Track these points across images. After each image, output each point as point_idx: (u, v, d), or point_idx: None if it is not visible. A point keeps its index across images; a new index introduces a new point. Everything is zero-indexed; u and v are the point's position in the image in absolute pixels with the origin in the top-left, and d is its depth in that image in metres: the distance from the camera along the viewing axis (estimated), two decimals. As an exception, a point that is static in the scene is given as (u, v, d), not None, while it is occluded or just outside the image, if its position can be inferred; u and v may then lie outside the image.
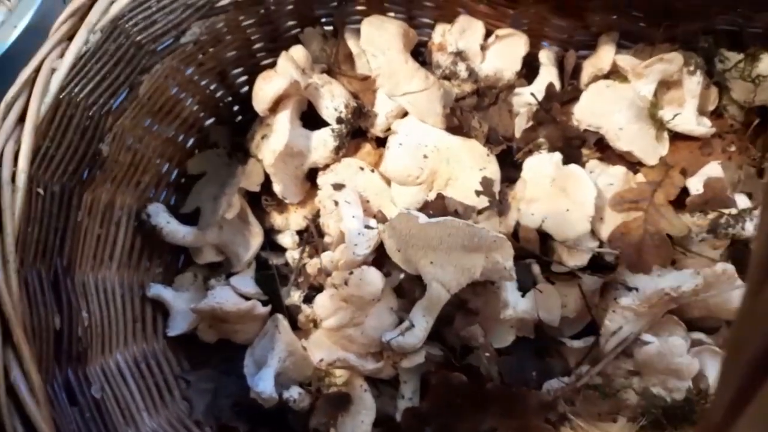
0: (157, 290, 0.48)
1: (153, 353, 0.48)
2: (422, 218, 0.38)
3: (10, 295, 0.30)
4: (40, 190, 0.35)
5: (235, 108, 0.54)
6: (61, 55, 0.34)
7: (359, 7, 0.49)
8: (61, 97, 0.35)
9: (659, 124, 0.43)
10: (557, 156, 0.42)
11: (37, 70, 0.34)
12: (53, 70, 0.34)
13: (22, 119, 0.33)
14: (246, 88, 0.53)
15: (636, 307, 0.39)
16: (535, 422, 0.40)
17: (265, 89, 0.44)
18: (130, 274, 0.47)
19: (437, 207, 0.43)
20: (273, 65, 0.49)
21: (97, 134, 0.41)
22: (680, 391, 0.37)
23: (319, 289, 0.47)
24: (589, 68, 0.46)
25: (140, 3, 0.38)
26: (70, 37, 0.35)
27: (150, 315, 0.48)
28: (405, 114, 0.46)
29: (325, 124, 0.48)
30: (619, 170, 0.42)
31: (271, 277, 0.50)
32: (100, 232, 0.44)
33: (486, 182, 0.43)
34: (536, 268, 0.44)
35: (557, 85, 0.45)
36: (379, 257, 0.46)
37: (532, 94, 0.44)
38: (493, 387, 0.39)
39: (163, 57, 0.44)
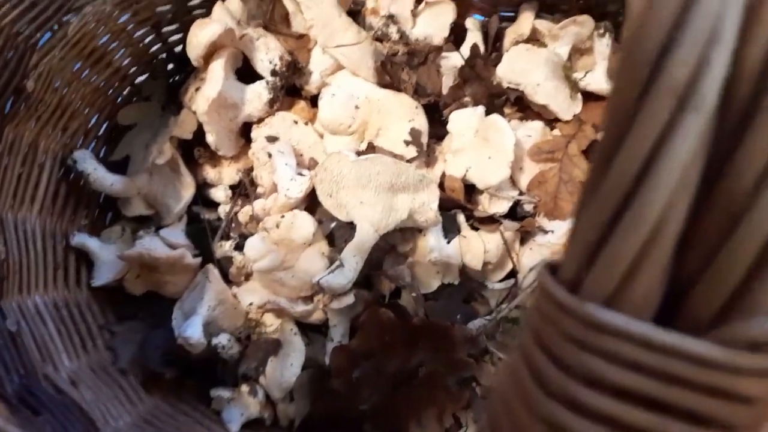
0: (81, 239, 0.47)
1: (75, 302, 0.46)
2: (352, 156, 0.40)
3: None
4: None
5: (170, 66, 0.54)
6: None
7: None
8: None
9: (573, 85, 0.46)
10: (480, 109, 0.45)
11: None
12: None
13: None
14: (180, 47, 0.53)
15: (551, 246, 0.42)
16: (460, 356, 0.41)
17: (200, 35, 0.44)
18: (53, 220, 0.46)
19: (368, 156, 0.45)
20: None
21: (21, 67, 0.40)
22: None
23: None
24: (510, 35, 0.49)
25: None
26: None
27: (73, 264, 0.47)
28: (337, 71, 0.48)
29: (259, 79, 0.49)
30: (537, 124, 0.46)
31: (203, 231, 0.50)
32: (21, 171, 0.42)
33: (414, 132, 0.45)
34: (461, 218, 0.46)
35: (482, 48, 0.48)
36: (311, 206, 0.47)
37: (459, 53, 0.46)
38: (420, 321, 0.41)
39: (89, -3, 0.43)
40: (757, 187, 0.12)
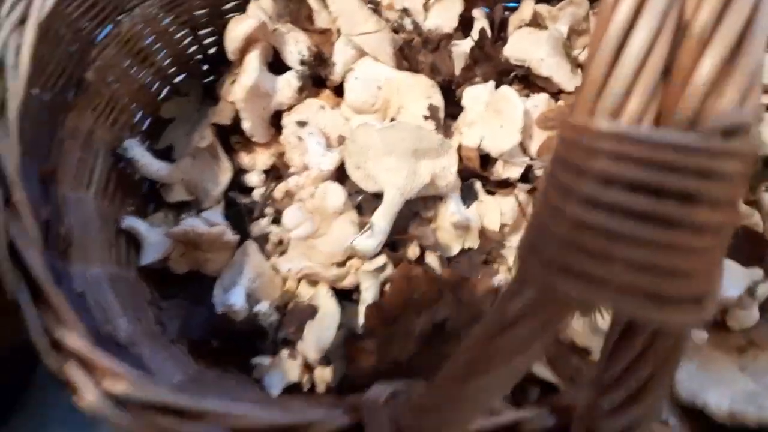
0: (131, 222, 0.51)
1: (126, 278, 0.50)
2: (378, 125, 0.44)
3: (10, 151, 0.33)
4: (36, 91, 0.39)
5: (205, 67, 0.59)
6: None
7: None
8: (57, 10, 0.39)
9: (573, 60, 0.51)
10: (491, 84, 0.49)
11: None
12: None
13: (22, 21, 0.37)
14: (214, 49, 0.58)
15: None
16: (482, 309, 0.45)
17: (237, 29, 0.49)
18: (106, 204, 0.50)
19: (391, 132, 0.49)
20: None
21: (83, 60, 0.45)
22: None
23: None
24: (514, 21, 0.54)
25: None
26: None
27: (123, 245, 0.51)
28: (360, 58, 0.53)
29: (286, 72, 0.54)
30: (543, 96, 0.50)
31: (238, 214, 0.55)
32: (80, 156, 0.47)
33: (432, 108, 0.49)
34: (477, 185, 0.50)
35: (488, 32, 0.53)
36: (340, 180, 0.51)
37: (471, 37, 0.51)
38: (446, 274, 0.44)
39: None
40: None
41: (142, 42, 0.51)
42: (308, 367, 0.51)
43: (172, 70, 0.56)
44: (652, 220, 0.16)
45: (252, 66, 0.50)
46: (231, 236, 0.51)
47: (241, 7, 0.56)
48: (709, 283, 0.17)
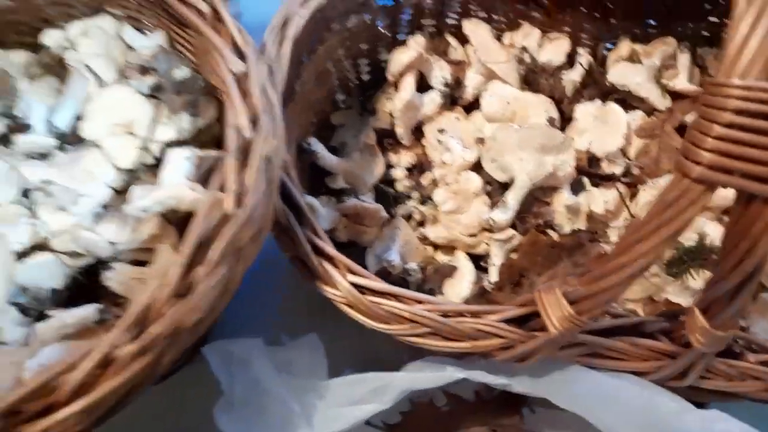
0: (309, 199, 0.66)
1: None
2: (516, 126, 0.58)
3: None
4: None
5: (359, 90, 0.76)
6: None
7: (454, 18, 0.72)
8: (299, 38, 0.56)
9: (663, 87, 0.65)
10: (598, 101, 0.63)
11: (288, 16, 0.55)
12: (297, 17, 0.55)
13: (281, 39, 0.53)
14: (369, 77, 0.75)
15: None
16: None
17: (402, 57, 0.65)
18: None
19: (516, 136, 0.63)
20: (386, 61, 0.71)
21: (295, 74, 0.61)
22: (691, 240, 0.55)
23: (429, 197, 0.65)
24: (612, 56, 0.68)
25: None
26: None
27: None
28: (489, 81, 0.68)
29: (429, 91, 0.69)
30: (639, 112, 0.63)
31: (386, 199, 0.69)
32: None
33: (551, 119, 0.63)
34: (585, 180, 0.63)
35: (594, 65, 0.67)
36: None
37: (579, 63, 0.66)
38: (564, 239, 0.57)
39: (332, 34, 0.65)
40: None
41: (322, 66, 0.68)
42: (444, 320, 0.63)
43: (338, 88, 0.72)
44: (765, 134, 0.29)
45: (409, 85, 0.66)
46: (384, 213, 0.65)
47: (389, 49, 0.72)
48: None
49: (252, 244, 0.39)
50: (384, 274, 0.62)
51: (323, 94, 0.70)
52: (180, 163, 0.42)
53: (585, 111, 0.63)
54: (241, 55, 0.44)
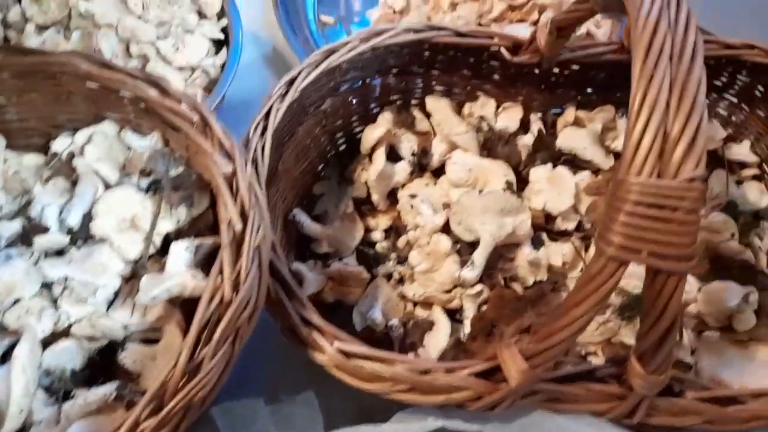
0: (297, 265, 0.72)
1: (295, 305, 0.70)
2: (477, 193, 0.65)
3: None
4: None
5: (336, 160, 0.83)
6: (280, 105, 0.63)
7: (417, 93, 0.81)
8: (280, 125, 0.63)
9: (606, 148, 0.73)
10: (549, 165, 0.71)
11: (269, 111, 0.62)
12: (276, 111, 0.62)
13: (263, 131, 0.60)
14: (344, 147, 0.82)
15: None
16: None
17: (373, 133, 0.73)
18: (283, 253, 0.72)
19: (480, 199, 0.71)
20: (361, 132, 0.79)
21: (277, 156, 0.68)
22: (638, 288, 0.62)
23: (406, 258, 0.72)
24: (560, 122, 0.77)
25: (312, 81, 0.68)
26: (282, 95, 0.64)
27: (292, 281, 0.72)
28: (452, 150, 0.76)
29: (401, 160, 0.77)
30: (586, 172, 0.71)
31: (367, 260, 0.75)
32: (270, 219, 0.69)
33: (508, 183, 0.71)
34: (543, 235, 0.70)
35: (543, 130, 0.75)
36: (444, 233, 0.72)
37: (531, 133, 0.74)
38: (528, 292, 0.64)
39: (309, 116, 0.73)
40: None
41: (303, 143, 0.75)
42: (425, 371, 0.69)
43: (318, 163, 0.79)
44: (662, 221, 0.36)
45: (381, 157, 0.73)
46: (366, 274, 0.72)
47: (362, 122, 0.79)
48: (693, 249, 0.37)
49: (247, 324, 0.45)
50: (369, 331, 0.68)
51: (304, 167, 0.77)
52: (181, 254, 0.49)
53: (538, 174, 0.71)
54: (228, 155, 0.51)
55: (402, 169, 0.75)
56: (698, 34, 0.41)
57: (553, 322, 0.42)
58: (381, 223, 0.77)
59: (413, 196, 0.75)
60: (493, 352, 0.48)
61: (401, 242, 0.73)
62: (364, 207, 0.77)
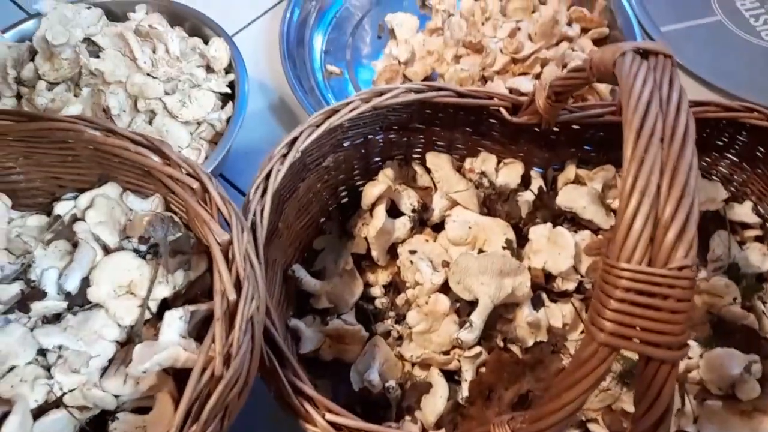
0: (295, 322, 0.72)
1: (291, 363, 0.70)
2: (475, 254, 0.65)
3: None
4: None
5: (338, 212, 0.83)
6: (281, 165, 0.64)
7: (419, 148, 0.81)
8: (281, 185, 0.63)
9: (607, 207, 0.72)
10: (549, 224, 0.71)
11: (269, 173, 0.63)
12: (277, 172, 0.63)
13: (263, 193, 0.61)
14: (346, 200, 0.83)
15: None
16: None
17: (373, 190, 0.73)
18: (280, 309, 0.72)
19: (479, 258, 0.70)
20: (363, 185, 0.79)
21: (278, 214, 0.68)
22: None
23: (404, 316, 0.71)
24: (561, 179, 0.77)
25: (314, 140, 0.69)
26: (283, 156, 0.65)
27: (290, 339, 0.71)
28: (453, 207, 0.76)
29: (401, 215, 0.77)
30: (587, 232, 0.71)
31: (367, 317, 0.75)
32: (269, 275, 0.69)
33: (508, 242, 0.71)
34: (543, 295, 0.70)
35: (544, 188, 0.75)
36: (444, 292, 0.71)
37: (531, 191, 0.74)
38: (526, 357, 0.63)
39: (310, 172, 0.74)
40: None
41: (305, 199, 0.76)
42: (425, 431, 0.68)
43: (320, 216, 0.80)
44: (652, 309, 0.36)
45: (381, 214, 0.74)
46: (364, 333, 0.71)
47: (363, 175, 0.80)
48: (684, 337, 0.36)
49: (237, 399, 0.45)
50: (366, 391, 0.68)
51: (305, 222, 0.77)
52: (175, 323, 0.49)
53: (538, 233, 0.70)
54: (226, 222, 0.52)
55: (402, 224, 0.76)
56: (690, 115, 0.41)
57: (545, 405, 0.41)
58: (380, 278, 0.77)
59: (413, 252, 0.74)
60: (486, 429, 0.48)
61: (400, 300, 0.72)
62: (364, 262, 0.77)
